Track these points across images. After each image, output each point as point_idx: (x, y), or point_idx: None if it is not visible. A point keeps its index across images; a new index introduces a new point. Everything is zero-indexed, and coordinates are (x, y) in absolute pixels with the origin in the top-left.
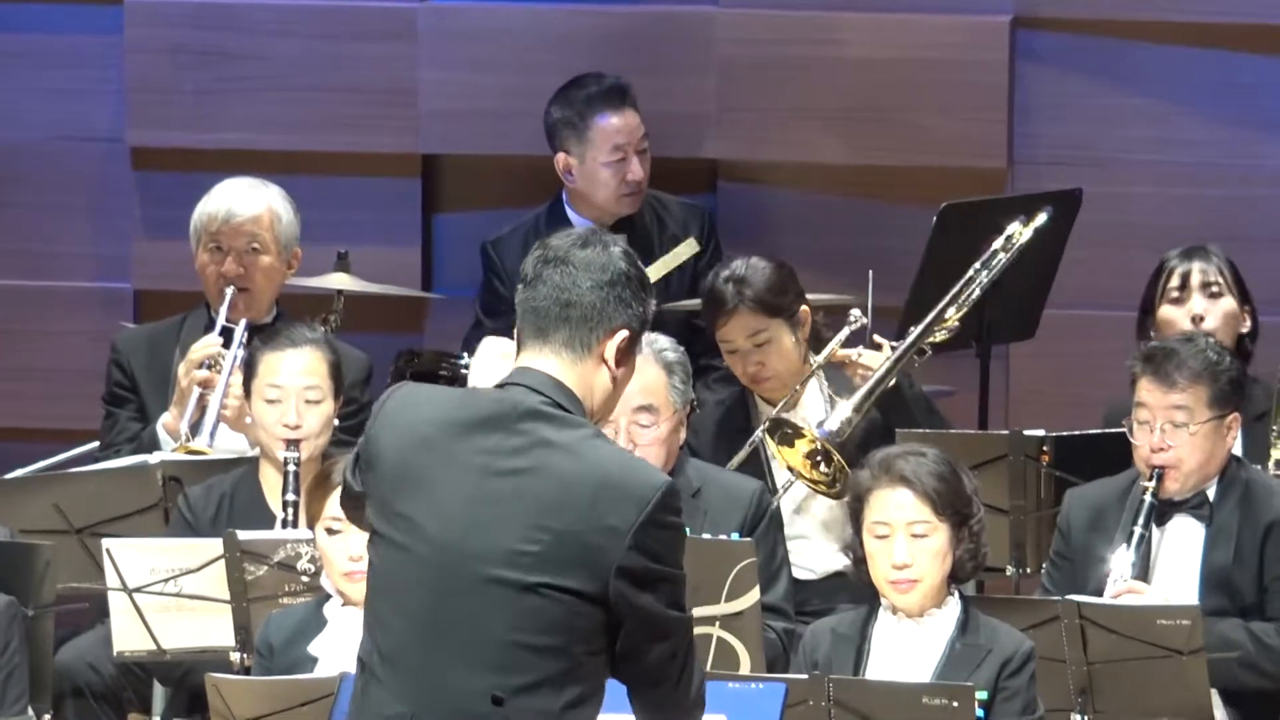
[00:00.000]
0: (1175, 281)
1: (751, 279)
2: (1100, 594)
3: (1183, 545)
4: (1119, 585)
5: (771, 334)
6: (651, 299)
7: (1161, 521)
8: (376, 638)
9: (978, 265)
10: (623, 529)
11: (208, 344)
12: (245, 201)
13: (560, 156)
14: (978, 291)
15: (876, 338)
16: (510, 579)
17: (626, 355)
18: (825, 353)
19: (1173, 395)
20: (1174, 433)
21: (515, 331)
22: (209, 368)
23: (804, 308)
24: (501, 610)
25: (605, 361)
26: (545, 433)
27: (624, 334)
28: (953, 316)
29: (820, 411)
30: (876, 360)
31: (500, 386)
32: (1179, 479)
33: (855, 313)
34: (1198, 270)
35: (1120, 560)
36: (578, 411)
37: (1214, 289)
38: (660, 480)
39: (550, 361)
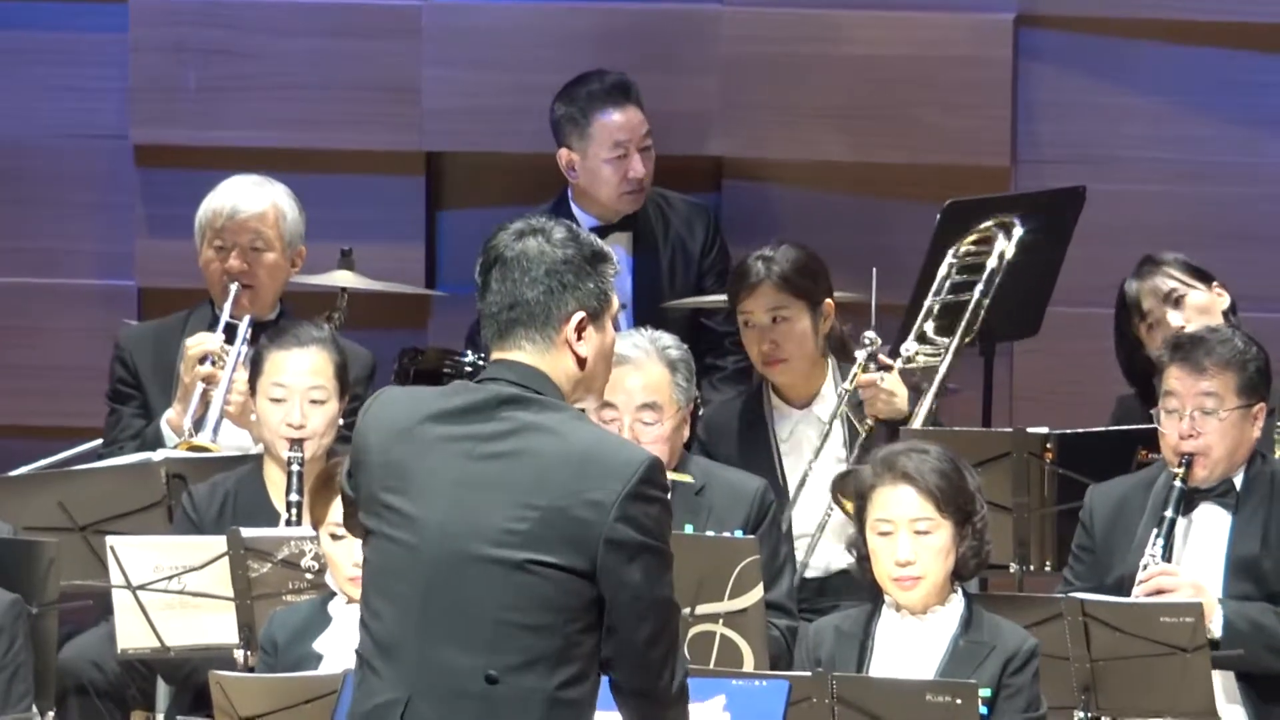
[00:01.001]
0: (1138, 317)
1: (780, 258)
2: (1125, 583)
3: (1209, 533)
4: (1151, 568)
5: (791, 314)
6: (607, 266)
7: (1187, 510)
8: (371, 629)
9: (980, 288)
10: (607, 502)
11: (203, 340)
12: (250, 198)
13: (563, 152)
14: (982, 314)
15: (882, 358)
16: (501, 557)
17: (595, 331)
18: (851, 379)
19: (1202, 382)
20: (1203, 420)
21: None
22: (212, 363)
23: (829, 301)
24: (493, 589)
25: (571, 346)
26: (526, 416)
27: (579, 316)
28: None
29: (837, 435)
30: (898, 385)
31: (478, 381)
32: (1208, 466)
33: (870, 335)
34: (1148, 293)
35: (1152, 544)
36: (556, 396)
37: (1175, 295)
38: (643, 455)
39: (520, 355)
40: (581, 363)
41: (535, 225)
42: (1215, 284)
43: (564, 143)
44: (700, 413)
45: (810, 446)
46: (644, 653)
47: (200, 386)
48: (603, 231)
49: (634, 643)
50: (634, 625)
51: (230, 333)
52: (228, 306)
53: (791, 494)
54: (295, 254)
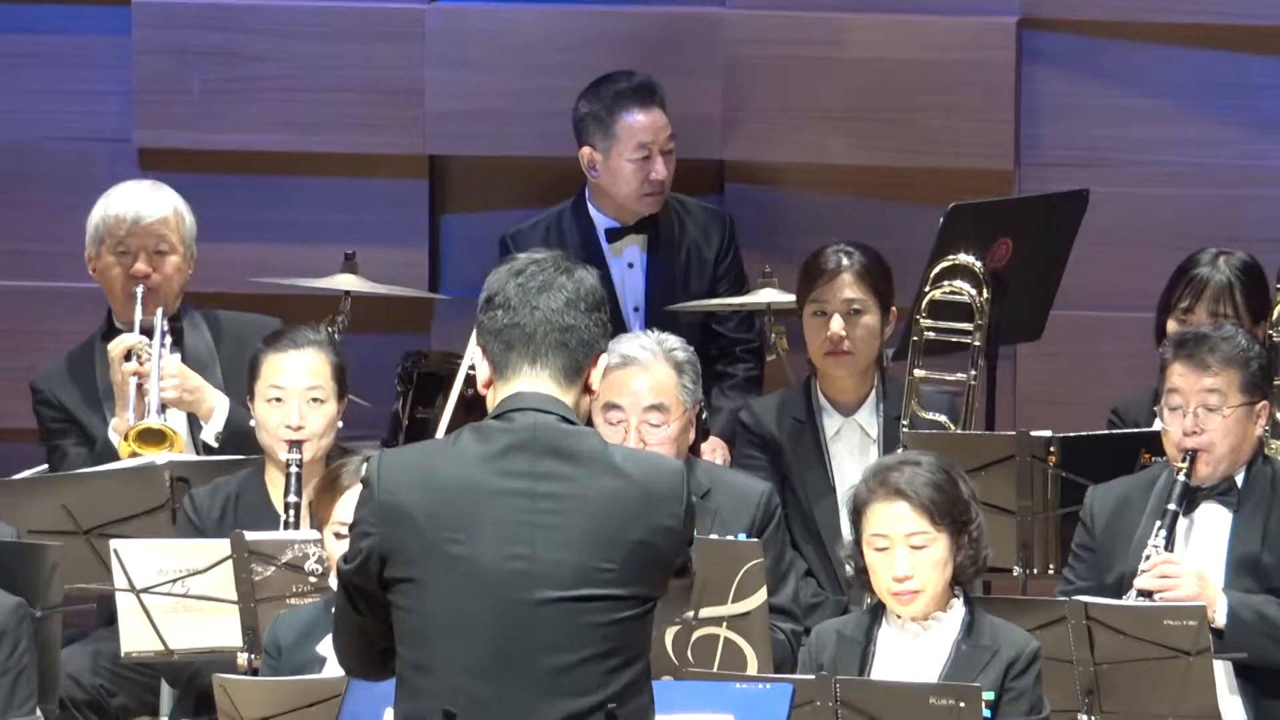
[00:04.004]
0: (1186, 303)
1: (860, 253)
2: (1125, 581)
3: (1210, 531)
4: (1155, 558)
5: (865, 308)
6: None
7: (1189, 510)
8: (435, 687)
9: (972, 327)
10: (676, 527)
11: (122, 339)
12: (152, 204)
13: (585, 150)
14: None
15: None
16: (594, 596)
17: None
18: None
19: (1206, 379)
20: (1207, 416)
21: (485, 355)
22: (138, 360)
23: (894, 309)
24: (590, 629)
25: (589, 386)
26: (573, 447)
27: (604, 358)
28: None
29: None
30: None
31: (499, 415)
32: (1211, 463)
33: None
34: (1210, 296)
35: (1154, 535)
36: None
37: (1226, 318)
38: (677, 465)
39: (546, 387)
40: (589, 403)
41: (572, 264)
42: (1264, 322)
43: (586, 141)
44: (741, 409)
45: (851, 452)
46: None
47: (134, 382)
48: (619, 233)
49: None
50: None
51: (149, 333)
52: (138, 309)
53: (839, 496)
54: (192, 257)
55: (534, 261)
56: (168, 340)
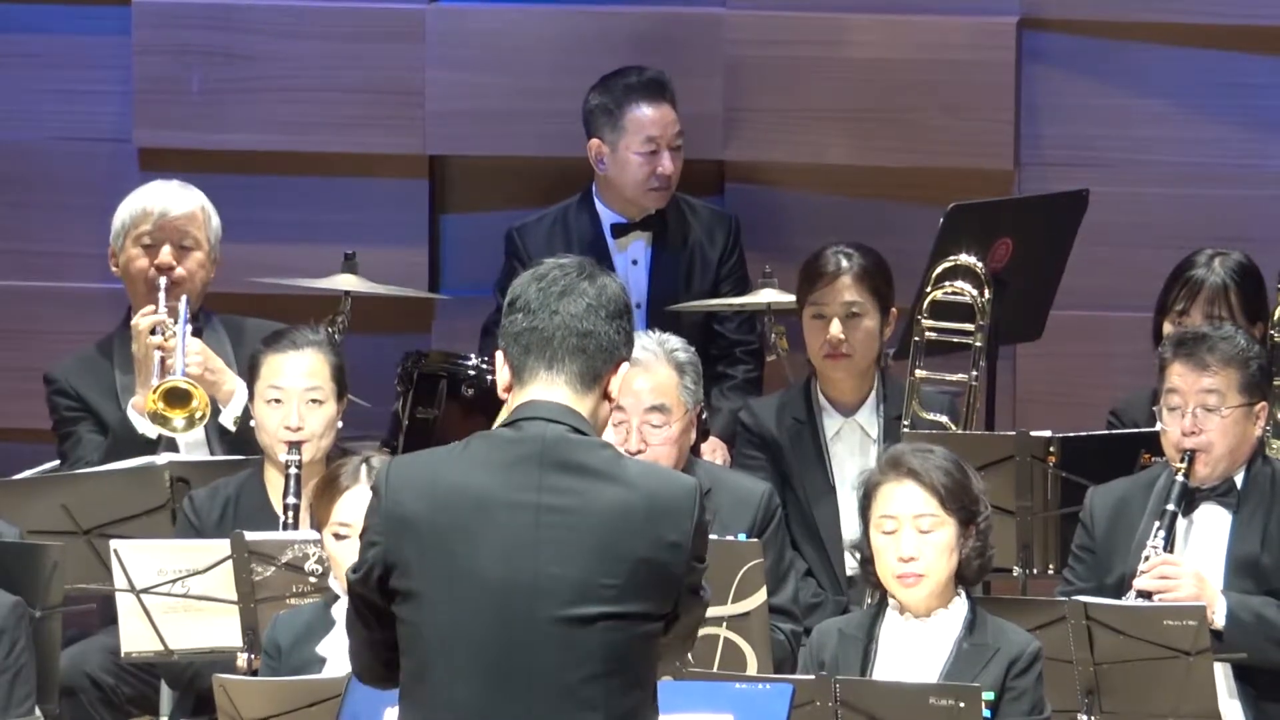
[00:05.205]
0: (1181, 305)
1: (861, 255)
2: (1126, 582)
3: (1209, 532)
4: (1154, 559)
5: (864, 311)
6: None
7: (1188, 511)
8: (440, 698)
9: (974, 328)
10: (684, 543)
11: (149, 313)
12: (179, 199)
13: (593, 142)
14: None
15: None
16: (596, 614)
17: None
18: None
19: (1205, 379)
20: (1206, 417)
21: (505, 359)
22: (162, 335)
23: (894, 310)
24: (592, 647)
25: (608, 395)
26: (581, 460)
27: (625, 366)
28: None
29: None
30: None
31: (511, 424)
32: (1209, 463)
33: None
34: (1205, 299)
35: (1153, 536)
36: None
37: (1220, 320)
38: (690, 482)
39: (562, 392)
40: (608, 412)
41: (594, 270)
42: (1260, 324)
43: (595, 133)
44: (741, 409)
45: (851, 452)
46: (695, 626)
47: (157, 356)
48: (625, 229)
49: (688, 629)
50: (691, 623)
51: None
52: (161, 297)
53: (839, 496)
54: (215, 259)
55: (558, 266)
56: (189, 328)
